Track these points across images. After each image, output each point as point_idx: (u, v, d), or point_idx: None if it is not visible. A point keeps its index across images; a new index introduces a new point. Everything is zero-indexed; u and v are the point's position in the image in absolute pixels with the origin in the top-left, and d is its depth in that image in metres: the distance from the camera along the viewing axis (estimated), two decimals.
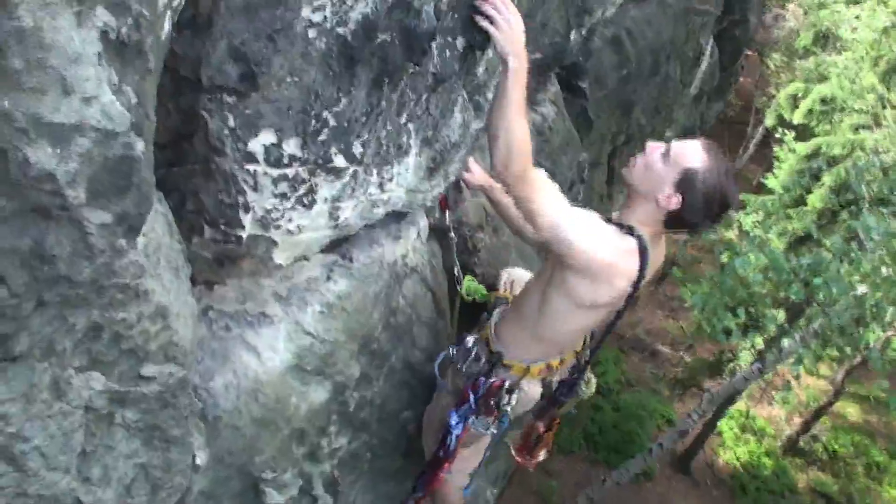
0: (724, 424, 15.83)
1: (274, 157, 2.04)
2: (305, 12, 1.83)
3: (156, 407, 1.99)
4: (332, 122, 2.11)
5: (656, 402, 15.84)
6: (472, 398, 2.96)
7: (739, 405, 16.08)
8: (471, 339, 2.99)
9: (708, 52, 6.17)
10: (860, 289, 6.64)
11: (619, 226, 2.58)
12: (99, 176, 1.34)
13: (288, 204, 2.17)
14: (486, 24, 2.29)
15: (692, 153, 2.49)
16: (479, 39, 2.48)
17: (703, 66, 6.17)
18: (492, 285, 3.54)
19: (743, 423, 16.72)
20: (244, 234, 2.13)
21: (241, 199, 2.06)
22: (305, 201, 2.21)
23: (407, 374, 3.28)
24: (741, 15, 8.75)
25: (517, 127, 2.28)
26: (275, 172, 2.07)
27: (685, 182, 2.47)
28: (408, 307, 3.15)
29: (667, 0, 4.75)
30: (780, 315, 14.02)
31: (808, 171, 13.05)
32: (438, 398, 3.26)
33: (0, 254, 1.30)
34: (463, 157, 3.01)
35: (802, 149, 13.43)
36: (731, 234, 14.44)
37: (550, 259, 2.71)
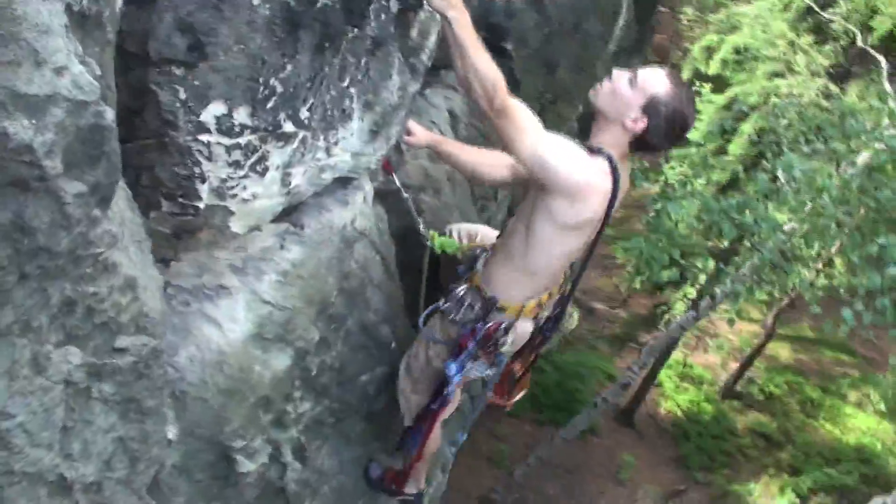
0: (664, 375, 16.36)
1: (226, 126, 2.09)
2: None
3: (131, 378, 2.02)
4: (279, 88, 2.16)
5: (596, 360, 16.28)
6: (471, 345, 3.07)
7: (677, 355, 16.63)
8: (461, 290, 3.11)
9: (625, 7, 6.34)
10: (787, 226, 6.96)
11: (590, 149, 2.72)
12: (73, 146, 1.38)
13: (242, 172, 2.21)
14: None
15: (658, 80, 2.66)
16: (412, 1, 2.55)
17: (621, 21, 6.33)
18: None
19: (681, 372, 17.32)
20: (202, 205, 2.18)
21: (196, 171, 2.10)
22: (258, 169, 2.26)
23: (363, 337, 3.36)
24: None
25: (482, 65, 2.39)
26: (227, 142, 2.12)
27: (651, 107, 2.64)
28: (360, 270, 3.22)
29: None
30: (710, 263, 14.52)
31: (728, 121, 13.47)
32: (421, 349, 3.33)
33: None
34: (403, 120, 3.08)
35: (720, 99, 13.86)
36: (657, 188, 14.85)
37: (531, 191, 2.83)
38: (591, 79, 6.49)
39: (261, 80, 2.09)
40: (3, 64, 1.21)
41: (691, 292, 16.23)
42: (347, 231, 3.10)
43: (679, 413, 16.21)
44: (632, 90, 2.66)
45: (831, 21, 11.57)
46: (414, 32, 2.86)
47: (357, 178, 3.06)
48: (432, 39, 3.01)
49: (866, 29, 11.64)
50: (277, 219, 2.72)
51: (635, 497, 13.44)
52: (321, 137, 2.50)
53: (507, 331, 3.06)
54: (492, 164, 3.33)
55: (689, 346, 17.65)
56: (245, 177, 2.23)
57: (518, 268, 2.94)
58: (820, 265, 13.54)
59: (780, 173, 5.92)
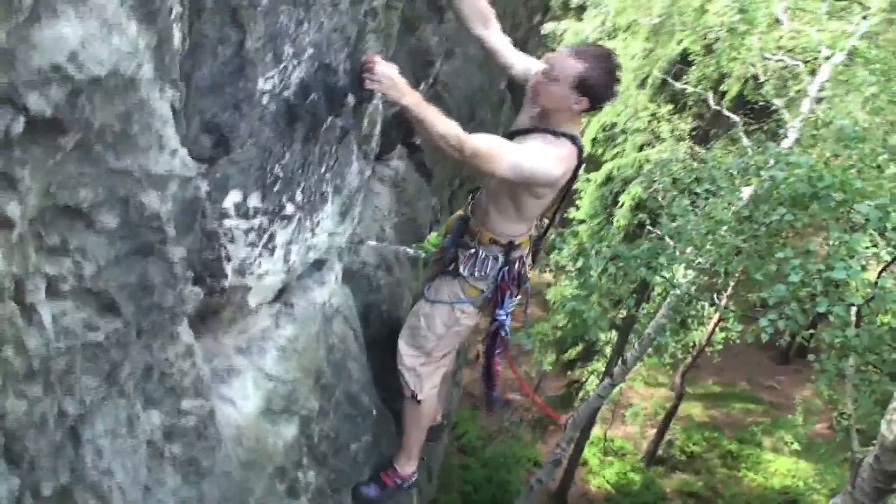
0: (588, 453, 16.80)
1: (242, 210, 2.42)
2: (261, 82, 2.25)
3: (193, 438, 2.27)
4: (281, 174, 2.52)
5: (521, 448, 16.51)
6: (512, 287, 3.61)
7: (597, 431, 17.13)
8: (481, 251, 3.54)
9: (507, 96, 7.02)
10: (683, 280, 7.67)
11: (554, 133, 3.17)
12: (179, 215, 1.71)
13: (257, 251, 2.54)
14: (372, 84, 2.78)
15: (570, 64, 3.03)
16: (366, 94, 2.97)
17: (505, 107, 6.99)
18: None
19: (603, 447, 17.80)
20: (227, 283, 2.47)
21: (223, 252, 2.41)
22: (269, 247, 2.59)
23: (349, 406, 3.63)
24: None
25: (443, 129, 2.83)
26: (245, 224, 2.45)
27: (581, 86, 3.03)
28: (340, 344, 3.53)
29: (469, 52, 5.44)
30: (613, 335, 15.28)
31: (608, 195, 14.49)
32: (438, 315, 3.68)
33: (119, 288, 1.62)
34: (361, 201, 3.46)
35: (597, 176, 14.89)
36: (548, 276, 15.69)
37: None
38: None
39: (268, 167, 2.45)
40: (142, 149, 1.54)
41: (599, 367, 16.98)
42: (326, 308, 3.43)
43: (609, 487, 16.58)
44: (556, 85, 3.06)
45: (685, 89, 12.76)
46: (366, 122, 3.27)
47: (329, 259, 3.40)
48: (377, 129, 3.43)
49: (718, 93, 12.90)
50: (271, 301, 3.03)
51: None
52: (309, 218, 2.86)
53: (527, 259, 3.64)
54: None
55: (607, 420, 18.19)
56: (260, 255, 2.55)
57: (514, 218, 3.44)
58: (714, 320, 14.52)
59: (675, 222, 6.58)
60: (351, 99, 2.87)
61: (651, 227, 11.00)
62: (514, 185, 3.22)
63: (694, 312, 12.00)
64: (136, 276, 1.66)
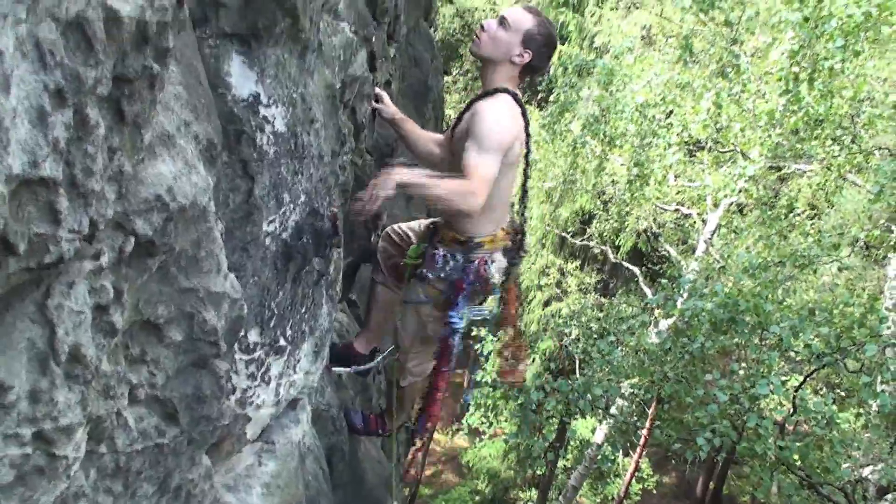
0: None
1: (244, 345, 2.64)
2: (265, 226, 2.54)
3: None
4: (276, 310, 2.77)
5: None
6: (466, 285, 3.54)
7: None
8: (439, 250, 3.58)
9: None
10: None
11: (495, 91, 3.32)
12: (226, 332, 1.94)
13: (256, 382, 2.73)
14: (378, 201, 2.95)
15: (524, 17, 3.29)
16: (336, 241, 3.29)
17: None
18: (399, 243, 4.06)
19: None
20: (231, 414, 2.64)
21: (228, 385, 2.60)
22: (265, 378, 2.79)
23: None
24: None
25: (444, 193, 3.02)
26: (246, 357, 2.66)
27: (528, 40, 3.27)
28: (313, 481, 3.64)
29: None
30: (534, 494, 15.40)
31: None
32: (410, 315, 3.80)
33: (180, 398, 1.82)
34: (329, 341, 3.69)
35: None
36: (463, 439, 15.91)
37: (465, 150, 3.26)
38: None
39: (265, 304, 2.69)
40: (205, 271, 1.80)
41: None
42: (301, 446, 3.57)
43: None
44: (507, 32, 3.27)
45: (586, 245, 13.62)
46: (332, 268, 3.57)
47: (303, 398, 3.58)
48: (340, 275, 3.73)
49: (614, 247, 13.82)
50: (254, 439, 3.18)
51: None
52: (294, 354, 3.08)
53: (489, 263, 3.57)
54: (433, 139, 3.89)
55: None
56: (258, 386, 2.75)
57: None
58: (630, 471, 14.86)
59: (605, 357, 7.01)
60: (329, 242, 3.18)
61: (564, 380, 11.45)
62: None
63: (610, 464, 12.31)
64: (192, 387, 1.87)
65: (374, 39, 3.77)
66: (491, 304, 3.83)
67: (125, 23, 1.28)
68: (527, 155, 3.53)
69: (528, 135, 3.45)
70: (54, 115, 1.13)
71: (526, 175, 3.69)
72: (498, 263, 3.63)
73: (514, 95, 3.35)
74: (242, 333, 2.63)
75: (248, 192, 2.44)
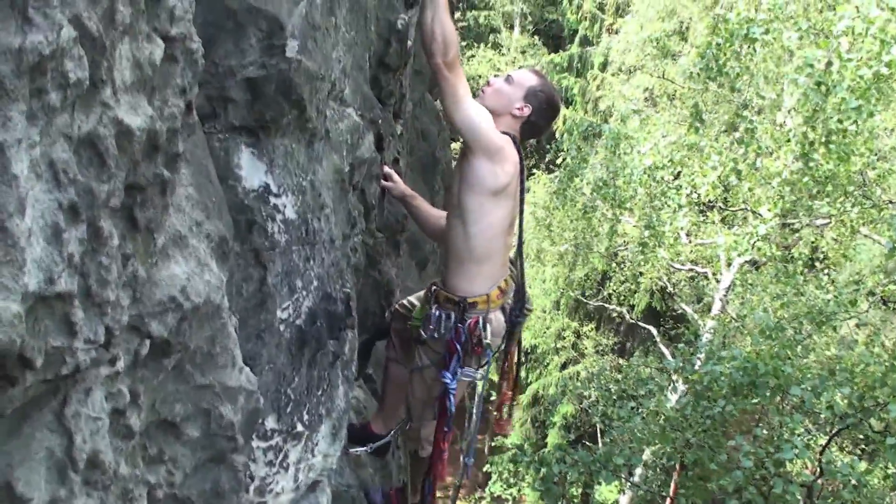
0: None
1: (261, 432, 2.63)
2: (279, 313, 2.57)
3: None
4: (292, 396, 2.77)
5: None
6: (458, 346, 3.48)
7: None
8: (433, 310, 3.55)
9: None
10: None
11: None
12: (243, 425, 1.94)
13: (275, 469, 2.72)
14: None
15: (528, 75, 3.44)
16: (350, 322, 3.31)
17: None
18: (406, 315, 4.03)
19: None
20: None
21: (246, 477, 2.59)
22: (284, 465, 2.78)
23: None
24: None
25: (448, 25, 3.05)
26: (264, 445, 2.65)
27: (530, 96, 3.39)
28: None
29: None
30: None
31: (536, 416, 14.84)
32: (417, 382, 3.75)
33: (198, 495, 1.82)
34: (346, 421, 3.67)
35: (523, 398, 15.28)
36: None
37: (456, 176, 3.45)
38: None
39: (282, 391, 2.70)
40: (220, 366, 1.82)
41: None
42: None
43: None
44: (511, 86, 3.41)
45: (604, 306, 13.58)
46: (346, 349, 3.58)
47: (322, 480, 3.55)
48: (355, 355, 3.74)
49: (630, 307, 13.76)
50: None
51: None
52: (310, 439, 3.07)
53: (484, 323, 3.48)
54: (442, 215, 3.85)
55: None
56: (277, 473, 2.73)
57: (465, 259, 3.47)
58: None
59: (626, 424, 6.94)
60: (343, 325, 3.19)
61: (588, 444, 11.29)
62: (461, 171, 3.36)
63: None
64: (210, 482, 1.86)
65: (380, 122, 3.84)
66: (482, 369, 3.69)
67: (136, 135, 1.32)
68: (521, 201, 3.53)
69: (522, 182, 3.48)
70: (69, 231, 1.16)
71: (521, 227, 3.65)
72: (496, 324, 3.59)
73: (513, 138, 3.41)
74: (260, 421, 2.63)
75: (261, 280, 2.47)
